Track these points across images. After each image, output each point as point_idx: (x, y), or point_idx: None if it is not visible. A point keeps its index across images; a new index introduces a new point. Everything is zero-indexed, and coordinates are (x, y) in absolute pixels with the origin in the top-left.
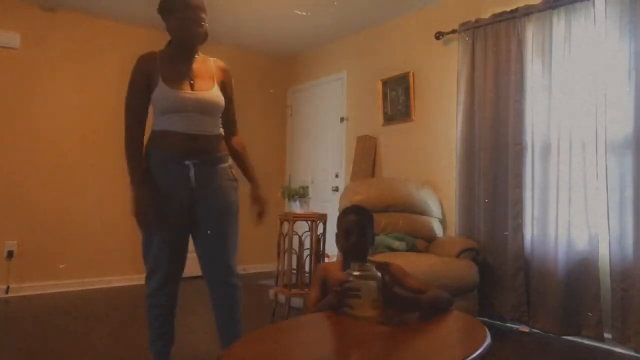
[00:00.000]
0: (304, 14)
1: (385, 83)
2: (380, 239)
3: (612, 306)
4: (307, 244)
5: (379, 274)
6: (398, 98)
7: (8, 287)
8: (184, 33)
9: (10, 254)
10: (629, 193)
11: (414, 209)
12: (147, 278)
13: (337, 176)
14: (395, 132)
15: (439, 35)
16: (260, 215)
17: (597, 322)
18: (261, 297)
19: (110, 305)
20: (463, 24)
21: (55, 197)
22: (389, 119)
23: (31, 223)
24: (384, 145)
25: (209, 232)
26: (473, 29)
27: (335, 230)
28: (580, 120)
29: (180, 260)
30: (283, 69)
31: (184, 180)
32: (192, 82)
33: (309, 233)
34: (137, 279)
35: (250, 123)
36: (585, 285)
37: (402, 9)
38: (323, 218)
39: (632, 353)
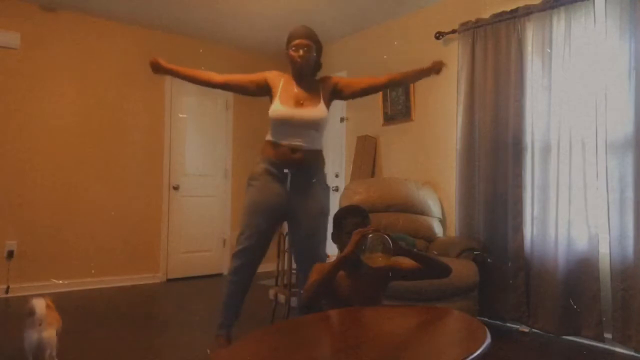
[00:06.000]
0: (304, 14)
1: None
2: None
3: (612, 306)
4: None
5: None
6: (398, 98)
7: (8, 287)
8: (293, 65)
9: (10, 254)
10: (629, 193)
11: (414, 209)
12: (233, 257)
13: (337, 176)
14: (395, 132)
15: (439, 35)
16: (437, 67)
17: (597, 322)
18: (261, 297)
19: (110, 305)
20: (463, 24)
21: (55, 197)
22: (389, 119)
23: (31, 223)
24: (384, 145)
25: (302, 231)
26: (473, 29)
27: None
28: (580, 120)
29: (262, 250)
30: (283, 69)
31: (282, 185)
32: (301, 102)
33: None
34: (137, 279)
35: (250, 123)
36: (585, 285)
37: (402, 9)
38: None
39: (632, 353)
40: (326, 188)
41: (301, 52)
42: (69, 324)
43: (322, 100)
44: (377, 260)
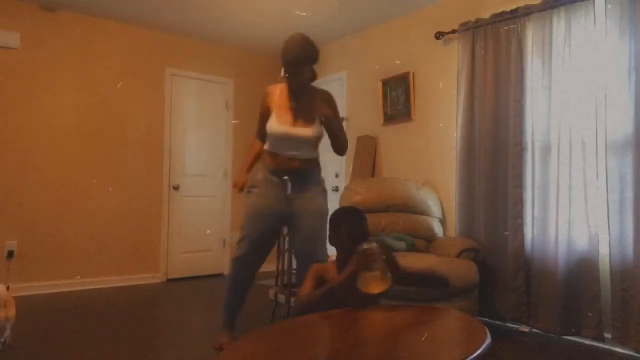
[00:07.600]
0: (304, 14)
1: (385, 83)
2: (380, 239)
3: (612, 306)
4: None
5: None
6: (398, 98)
7: (8, 287)
8: (287, 84)
9: (10, 254)
10: (629, 193)
11: (414, 209)
12: (234, 262)
13: (337, 176)
14: (395, 132)
15: (439, 35)
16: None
17: (597, 322)
18: (261, 297)
19: (110, 305)
20: (463, 24)
21: (55, 197)
22: (389, 119)
23: (31, 223)
24: (384, 145)
25: (303, 232)
26: (473, 29)
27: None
28: (580, 120)
29: (263, 255)
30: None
31: (282, 191)
32: (295, 119)
33: None
34: (137, 279)
35: (251, 123)
36: (585, 285)
37: (402, 9)
38: None
39: (632, 353)
40: (324, 191)
41: (294, 79)
42: (69, 324)
43: (316, 119)
44: (373, 286)
